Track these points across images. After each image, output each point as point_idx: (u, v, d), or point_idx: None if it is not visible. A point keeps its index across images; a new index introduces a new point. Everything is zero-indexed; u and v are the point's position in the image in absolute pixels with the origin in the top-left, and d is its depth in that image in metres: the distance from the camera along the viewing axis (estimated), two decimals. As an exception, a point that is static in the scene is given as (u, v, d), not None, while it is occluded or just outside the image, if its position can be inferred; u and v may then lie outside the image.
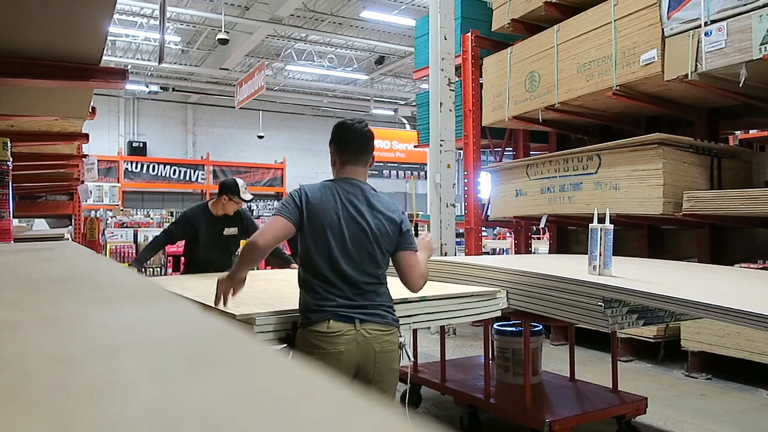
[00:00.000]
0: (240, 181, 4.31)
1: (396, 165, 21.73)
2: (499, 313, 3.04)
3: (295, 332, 2.29)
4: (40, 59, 1.69)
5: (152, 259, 10.15)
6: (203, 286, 3.21)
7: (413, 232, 2.51)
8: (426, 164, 14.56)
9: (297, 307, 2.33)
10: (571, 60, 5.88)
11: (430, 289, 3.13)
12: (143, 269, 4.28)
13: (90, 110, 2.65)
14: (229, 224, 4.26)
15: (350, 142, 2.40)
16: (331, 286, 2.23)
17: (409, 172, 21.28)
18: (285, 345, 2.31)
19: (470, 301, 2.90)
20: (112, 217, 13.06)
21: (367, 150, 2.43)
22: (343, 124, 2.45)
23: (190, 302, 0.52)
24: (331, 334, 2.18)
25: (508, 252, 12.04)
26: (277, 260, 4.42)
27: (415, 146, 11.62)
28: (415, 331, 4.42)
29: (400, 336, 2.37)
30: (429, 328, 5.84)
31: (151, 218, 13.97)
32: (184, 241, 4.43)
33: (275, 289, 3.17)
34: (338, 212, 2.29)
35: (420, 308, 2.70)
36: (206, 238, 4.21)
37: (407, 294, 2.52)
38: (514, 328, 3.93)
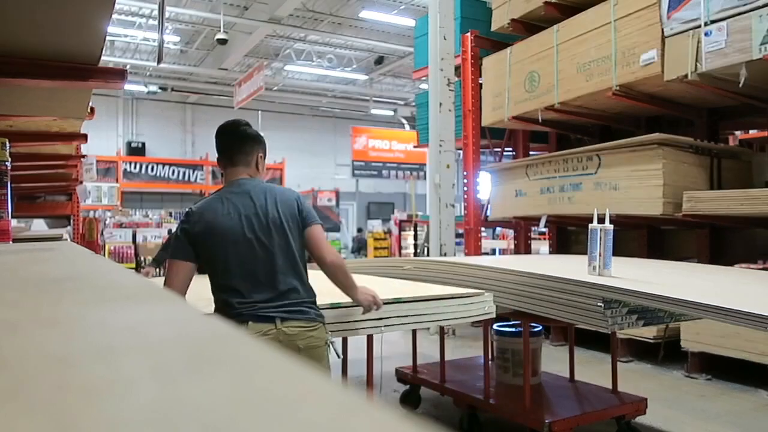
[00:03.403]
0: None
1: (395, 165, 21.75)
2: (486, 316, 2.99)
3: None
4: (38, 59, 1.69)
5: (147, 259, 10.17)
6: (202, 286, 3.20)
7: (313, 211, 2.39)
8: (425, 164, 14.59)
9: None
10: (571, 60, 5.88)
11: (412, 289, 3.11)
12: (160, 269, 4.28)
13: (89, 110, 2.65)
14: None
15: (224, 142, 2.36)
16: (245, 296, 2.16)
17: (409, 172, 21.30)
18: None
19: (451, 304, 2.82)
20: (110, 218, 13.05)
21: (242, 150, 2.33)
22: (219, 127, 2.40)
23: (189, 303, 0.52)
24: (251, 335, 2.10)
25: (499, 252, 12.06)
26: None
27: (414, 146, 11.63)
28: (414, 332, 4.42)
29: (327, 333, 2.29)
30: (429, 328, 5.84)
31: (150, 219, 13.96)
32: None
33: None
34: (233, 218, 2.20)
35: (393, 310, 2.61)
36: None
37: (381, 296, 2.47)
38: (513, 329, 3.93)
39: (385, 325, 2.61)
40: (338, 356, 2.35)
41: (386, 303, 2.55)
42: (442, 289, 3.00)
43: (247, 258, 2.18)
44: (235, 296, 2.16)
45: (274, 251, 2.20)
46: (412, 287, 3.21)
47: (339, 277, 2.32)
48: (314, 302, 2.29)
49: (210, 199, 2.31)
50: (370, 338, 2.95)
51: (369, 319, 2.54)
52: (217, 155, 2.38)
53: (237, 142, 2.35)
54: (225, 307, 2.17)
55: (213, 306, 2.27)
